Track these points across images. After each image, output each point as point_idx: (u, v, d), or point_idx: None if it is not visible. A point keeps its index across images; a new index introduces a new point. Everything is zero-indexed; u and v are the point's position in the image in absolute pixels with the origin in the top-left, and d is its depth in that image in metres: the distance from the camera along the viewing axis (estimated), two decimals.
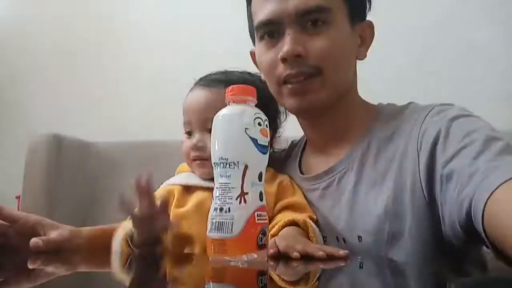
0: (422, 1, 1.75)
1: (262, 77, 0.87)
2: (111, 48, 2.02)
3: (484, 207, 0.57)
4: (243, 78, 0.86)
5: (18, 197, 1.50)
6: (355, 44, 0.82)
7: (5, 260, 0.73)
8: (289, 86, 0.78)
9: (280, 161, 0.95)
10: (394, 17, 1.65)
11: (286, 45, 0.76)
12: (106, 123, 1.92)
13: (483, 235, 0.58)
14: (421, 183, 0.71)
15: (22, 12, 2.13)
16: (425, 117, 0.76)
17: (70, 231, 0.79)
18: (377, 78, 1.59)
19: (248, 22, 0.87)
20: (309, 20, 0.76)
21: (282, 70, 0.78)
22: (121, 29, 2.03)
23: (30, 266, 0.65)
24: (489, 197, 0.56)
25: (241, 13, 0.88)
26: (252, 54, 0.88)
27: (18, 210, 0.89)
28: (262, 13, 0.78)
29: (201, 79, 0.89)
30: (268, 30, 0.79)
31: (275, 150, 0.95)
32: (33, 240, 0.73)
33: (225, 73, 0.90)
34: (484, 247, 0.71)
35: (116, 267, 0.68)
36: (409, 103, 0.84)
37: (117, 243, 0.73)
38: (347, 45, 0.80)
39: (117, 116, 1.95)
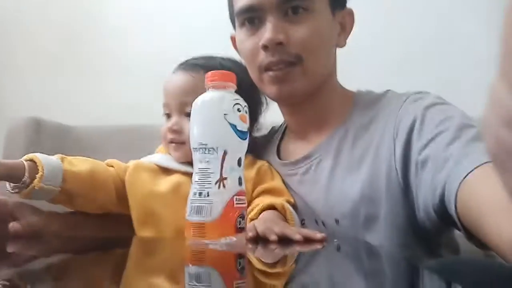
0: None
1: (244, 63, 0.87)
2: (92, 31, 1.98)
3: (457, 191, 0.59)
4: (223, 65, 0.86)
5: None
6: (335, 31, 0.83)
7: None
8: (270, 73, 0.79)
9: (259, 147, 0.96)
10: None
11: (267, 33, 0.76)
12: (86, 107, 1.90)
13: (456, 218, 0.60)
14: (396, 169, 0.73)
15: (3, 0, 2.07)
16: (402, 105, 0.77)
17: (50, 215, 0.78)
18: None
19: (228, 7, 0.86)
20: (290, 7, 0.76)
21: (263, 57, 0.78)
22: (102, 12, 1.99)
23: (9, 250, 0.65)
24: (461, 182, 0.59)
25: None
26: (233, 39, 0.88)
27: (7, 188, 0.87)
28: (242, 0, 0.79)
29: (182, 63, 0.89)
30: (248, 17, 0.79)
31: (256, 136, 0.96)
32: (12, 224, 0.72)
33: (207, 58, 0.89)
34: (456, 231, 0.74)
35: None
36: (387, 90, 0.85)
37: None
38: (328, 33, 0.81)
39: (98, 100, 1.92)
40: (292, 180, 0.85)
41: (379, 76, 1.45)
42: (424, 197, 0.68)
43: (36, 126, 1.39)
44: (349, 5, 0.86)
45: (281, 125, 0.99)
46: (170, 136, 0.82)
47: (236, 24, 0.83)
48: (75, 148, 1.49)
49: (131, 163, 0.83)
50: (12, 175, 0.69)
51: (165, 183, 0.80)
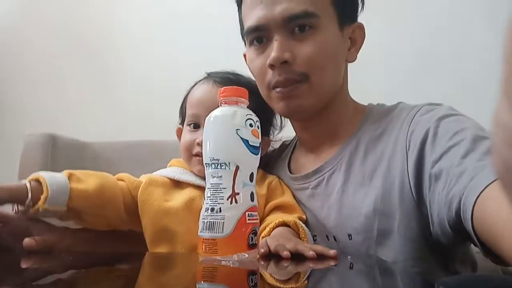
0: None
1: None
2: (107, 48, 2.02)
3: (473, 206, 0.57)
4: (249, 82, 0.87)
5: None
6: (344, 47, 0.83)
7: None
8: (277, 90, 0.79)
9: (270, 161, 0.96)
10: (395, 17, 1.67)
11: (274, 52, 0.76)
12: (102, 123, 1.92)
13: (472, 234, 0.58)
14: (409, 182, 0.72)
15: (17, 13, 2.12)
16: (413, 117, 0.76)
17: (64, 231, 0.79)
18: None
19: (240, 25, 0.88)
20: (296, 26, 0.77)
21: (271, 76, 0.79)
22: (117, 29, 2.02)
23: (23, 266, 0.66)
24: (478, 196, 0.57)
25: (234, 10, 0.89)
26: (245, 57, 0.89)
27: (13, 210, 0.89)
28: (250, 19, 0.80)
29: (212, 74, 0.90)
30: (256, 36, 0.80)
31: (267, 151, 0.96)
32: (26, 240, 0.73)
33: (236, 74, 0.90)
34: (473, 246, 0.72)
35: None
36: (398, 103, 0.85)
37: None
38: (335, 49, 0.81)
39: (113, 116, 1.95)
40: (303, 194, 0.84)
41: (390, 89, 1.45)
42: (439, 212, 0.67)
43: (52, 142, 1.41)
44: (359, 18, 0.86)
45: (292, 139, 0.99)
46: (198, 149, 0.81)
47: (246, 42, 0.85)
48: (90, 164, 1.51)
49: (143, 177, 0.83)
50: (15, 198, 0.70)
51: (178, 199, 0.80)
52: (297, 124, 0.90)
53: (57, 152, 1.42)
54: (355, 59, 0.85)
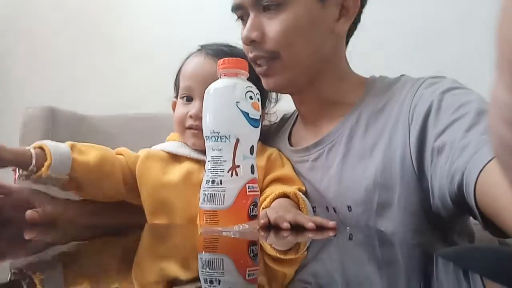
0: None
1: None
2: (106, 21, 1.99)
3: (476, 179, 0.57)
4: (244, 54, 0.85)
5: (14, 170, 1.51)
6: (327, 18, 0.79)
7: (1, 231, 0.75)
8: (257, 69, 0.81)
9: (269, 134, 0.96)
10: None
11: (243, 30, 0.79)
12: (101, 96, 1.91)
13: (474, 207, 0.59)
14: (411, 155, 0.72)
15: None
16: (417, 90, 0.75)
17: (65, 203, 0.80)
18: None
19: None
20: (266, 2, 0.76)
21: (248, 53, 0.81)
22: (118, 2, 1.99)
23: (26, 237, 0.67)
24: (481, 170, 0.57)
25: None
26: None
27: (15, 183, 0.90)
28: None
29: (205, 46, 0.89)
30: (238, 15, 0.83)
31: (268, 123, 0.96)
32: (29, 212, 0.74)
33: (230, 46, 0.89)
34: (471, 218, 0.73)
35: None
36: (401, 75, 0.84)
37: None
38: (309, 23, 0.78)
39: (112, 89, 1.94)
40: (303, 167, 0.85)
41: (393, 62, 1.43)
42: (440, 184, 0.67)
43: (51, 115, 1.41)
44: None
45: (293, 112, 0.98)
46: (190, 122, 0.82)
47: None
48: (89, 137, 1.50)
49: (142, 152, 0.84)
50: (20, 162, 0.70)
51: (176, 172, 0.80)
52: (293, 97, 0.90)
53: (57, 124, 1.42)
54: (346, 29, 0.82)
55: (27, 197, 0.79)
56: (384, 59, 1.61)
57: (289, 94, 0.88)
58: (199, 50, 0.89)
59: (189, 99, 0.84)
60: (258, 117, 0.64)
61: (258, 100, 0.64)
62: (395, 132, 0.75)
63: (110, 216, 0.83)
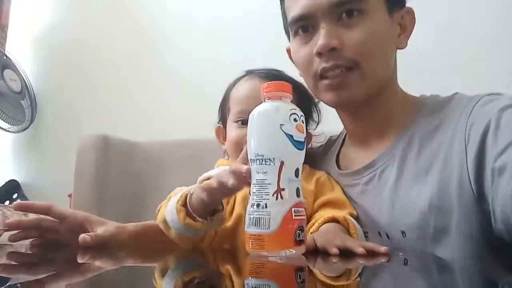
0: None
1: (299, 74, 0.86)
2: (157, 48, 2.08)
3: None
4: (291, 78, 0.86)
5: (70, 196, 1.58)
6: (394, 33, 0.79)
7: (56, 255, 0.77)
8: (326, 81, 0.77)
9: (317, 158, 0.94)
10: None
11: (321, 39, 0.74)
12: (152, 123, 1.98)
13: None
14: (469, 177, 0.68)
15: (70, 18, 2.23)
16: (472, 108, 0.72)
17: (116, 227, 0.82)
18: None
19: (282, 19, 0.86)
20: (344, 11, 0.74)
21: (318, 64, 0.76)
22: (167, 27, 2.08)
23: (79, 261, 0.69)
24: None
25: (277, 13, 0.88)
26: (288, 51, 0.87)
27: (70, 207, 0.94)
28: (295, 8, 0.78)
29: (254, 71, 0.89)
30: (302, 25, 0.78)
31: (312, 147, 0.95)
32: (82, 236, 0.76)
33: (277, 70, 0.90)
34: None
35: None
36: (455, 93, 0.81)
37: (171, 204, 0.72)
38: (385, 35, 0.77)
39: (162, 116, 2.00)
40: (354, 191, 0.82)
41: (444, 79, 1.38)
42: (503, 207, 0.63)
43: (105, 143, 1.47)
44: (410, 4, 0.82)
45: (339, 135, 0.96)
46: None
47: (290, 34, 0.83)
48: (140, 163, 1.56)
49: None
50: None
51: (237, 197, 0.80)
52: (345, 115, 0.86)
53: (109, 151, 1.48)
54: (405, 45, 0.81)
55: (80, 221, 0.82)
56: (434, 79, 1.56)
57: (349, 111, 0.84)
58: (248, 74, 0.90)
59: (245, 122, 0.84)
60: (303, 140, 0.63)
61: (303, 122, 0.63)
62: (451, 153, 0.71)
63: (160, 239, 0.84)
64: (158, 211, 0.80)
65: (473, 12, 1.65)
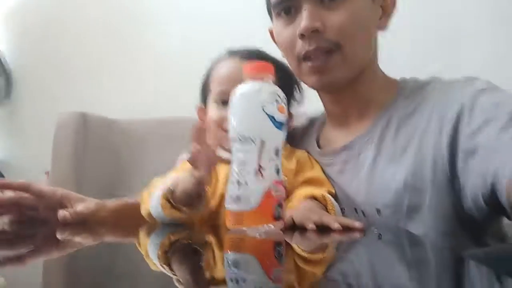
0: None
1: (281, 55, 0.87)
2: (136, 24, 2.04)
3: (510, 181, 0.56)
4: (273, 58, 0.86)
5: (47, 173, 1.56)
6: (376, 15, 0.80)
7: (35, 231, 0.78)
8: (309, 63, 0.77)
9: (297, 137, 0.95)
10: None
11: (303, 21, 0.74)
12: (131, 101, 1.96)
13: (508, 208, 0.58)
14: (443, 157, 0.71)
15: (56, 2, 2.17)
16: (449, 92, 0.74)
17: (96, 204, 0.82)
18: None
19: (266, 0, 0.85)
20: None
21: (300, 46, 0.77)
22: (147, 3, 2.04)
23: (58, 237, 0.69)
24: None
25: None
26: (271, 33, 0.87)
27: (47, 185, 0.94)
28: None
29: (235, 51, 0.89)
30: (284, 6, 0.78)
31: (294, 127, 0.96)
32: (61, 212, 0.77)
33: (258, 50, 0.89)
34: (505, 219, 0.71)
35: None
36: (432, 77, 0.83)
37: (155, 199, 0.72)
38: (367, 17, 0.78)
39: (142, 93, 1.98)
40: (332, 170, 0.84)
41: (421, 62, 1.41)
42: (473, 186, 0.66)
43: (83, 120, 1.45)
44: None
45: (320, 115, 0.97)
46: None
47: (273, 15, 0.83)
48: (120, 140, 1.55)
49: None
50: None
51: (220, 178, 0.80)
52: (326, 97, 0.87)
53: (88, 129, 1.46)
54: (386, 27, 0.82)
55: (59, 198, 0.82)
56: (411, 59, 1.58)
57: (331, 92, 0.85)
58: (230, 54, 0.89)
59: (225, 102, 0.84)
60: (284, 120, 0.64)
61: (284, 104, 0.64)
62: (427, 134, 0.74)
63: (140, 217, 0.85)
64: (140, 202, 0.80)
65: None
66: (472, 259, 0.45)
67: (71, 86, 2.08)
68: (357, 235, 0.61)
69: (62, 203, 0.81)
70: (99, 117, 1.54)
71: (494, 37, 1.62)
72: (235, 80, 0.80)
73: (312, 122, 0.99)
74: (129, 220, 0.85)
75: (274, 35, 0.85)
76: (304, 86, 0.90)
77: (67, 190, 0.86)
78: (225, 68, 0.87)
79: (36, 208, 0.83)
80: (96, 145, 1.48)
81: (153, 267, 0.47)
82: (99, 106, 1.70)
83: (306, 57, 0.77)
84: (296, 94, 0.93)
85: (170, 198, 0.69)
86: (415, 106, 0.78)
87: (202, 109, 0.92)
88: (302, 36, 0.76)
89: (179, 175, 0.70)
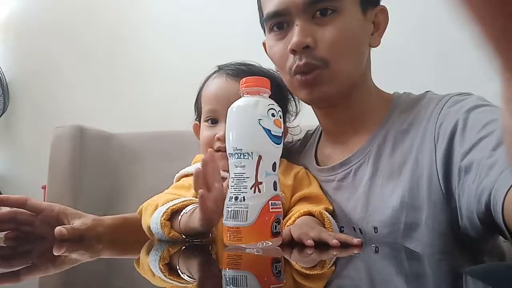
0: None
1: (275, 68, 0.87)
2: (132, 39, 2.05)
3: (504, 198, 0.56)
4: (263, 72, 0.87)
5: (44, 187, 1.55)
6: (368, 31, 0.81)
7: (32, 247, 0.77)
8: (299, 77, 0.78)
9: (295, 152, 0.95)
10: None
11: (295, 37, 0.75)
12: (127, 114, 1.96)
13: (502, 226, 0.57)
14: (437, 175, 0.71)
15: (42, 5, 2.17)
16: (442, 108, 0.74)
17: (93, 220, 0.82)
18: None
19: (259, 14, 0.86)
20: (318, 9, 0.75)
21: (292, 61, 0.78)
22: (143, 19, 2.05)
23: (55, 253, 0.69)
24: (509, 188, 0.56)
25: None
26: (264, 45, 0.88)
27: (44, 199, 0.93)
28: (270, 5, 0.79)
29: (223, 68, 0.89)
30: (276, 22, 0.79)
31: (292, 140, 0.96)
32: (58, 229, 0.76)
33: (247, 64, 0.90)
34: (501, 238, 0.71)
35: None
36: (426, 92, 0.83)
37: (155, 217, 0.73)
38: (358, 33, 0.79)
39: (138, 107, 1.98)
40: (329, 186, 0.84)
41: (415, 77, 1.41)
42: (468, 204, 0.66)
43: (80, 134, 1.44)
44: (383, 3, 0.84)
45: (316, 129, 0.98)
46: (219, 144, 0.82)
47: (266, 29, 0.83)
48: (116, 154, 1.55)
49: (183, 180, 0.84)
50: None
51: None
52: (320, 111, 0.88)
53: (85, 143, 1.46)
54: (379, 43, 0.83)
55: (57, 214, 0.81)
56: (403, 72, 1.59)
57: (324, 107, 0.85)
58: (217, 71, 0.90)
59: (214, 121, 0.85)
60: (280, 134, 0.64)
61: (280, 118, 0.65)
62: (422, 152, 0.74)
63: (137, 233, 0.84)
64: (141, 214, 0.80)
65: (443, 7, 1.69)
66: (469, 276, 0.45)
67: (68, 99, 2.09)
68: (354, 251, 0.61)
69: (59, 219, 0.81)
70: (96, 130, 1.54)
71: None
72: (222, 98, 0.82)
73: (308, 136, 0.99)
74: (127, 235, 0.84)
75: (266, 48, 0.86)
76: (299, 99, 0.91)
77: (64, 205, 0.86)
78: (212, 86, 0.87)
79: (33, 223, 0.82)
80: (93, 159, 1.48)
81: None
82: (96, 119, 1.71)
83: (296, 72, 0.78)
84: (290, 108, 0.93)
85: (179, 223, 0.69)
86: (410, 122, 0.78)
87: (197, 126, 0.93)
88: (293, 51, 0.76)
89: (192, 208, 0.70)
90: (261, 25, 0.87)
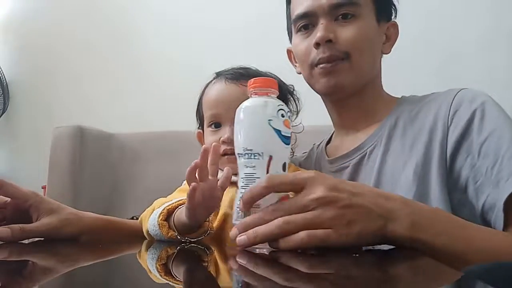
0: None
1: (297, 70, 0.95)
2: (132, 39, 2.05)
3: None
4: (260, 74, 0.90)
5: (44, 187, 1.54)
6: (380, 38, 0.92)
7: None
8: (321, 66, 0.87)
9: (306, 166, 1.00)
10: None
11: (319, 32, 0.86)
12: (128, 114, 1.95)
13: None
14: (446, 155, 0.78)
15: (43, 4, 2.16)
16: (454, 96, 0.82)
17: (65, 219, 0.77)
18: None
19: (287, 21, 0.97)
20: (340, 13, 0.87)
21: (315, 54, 0.87)
22: (143, 19, 2.05)
23: None
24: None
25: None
26: (288, 52, 0.99)
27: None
28: (300, 7, 0.89)
29: (223, 73, 0.91)
30: (304, 22, 0.90)
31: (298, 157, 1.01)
32: (1, 229, 0.70)
33: (245, 68, 0.92)
34: None
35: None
36: (432, 93, 0.90)
37: (152, 218, 0.74)
38: (373, 37, 0.90)
39: (138, 107, 1.98)
40: (344, 174, 0.89)
41: (420, 81, 1.43)
42: (480, 184, 0.74)
43: (80, 134, 1.44)
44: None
45: (321, 141, 1.04)
46: (224, 147, 0.82)
47: (293, 31, 0.93)
48: (116, 154, 1.54)
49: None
50: None
51: (224, 199, 0.80)
52: (333, 105, 0.95)
53: (85, 143, 1.45)
54: (389, 52, 0.94)
55: (28, 206, 0.76)
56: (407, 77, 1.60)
57: (338, 99, 0.93)
58: (216, 77, 0.91)
59: (218, 125, 0.86)
60: (290, 134, 0.64)
61: (289, 118, 0.65)
62: (435, 131, 0.81)
63: (113, 232, 0.85)
64: (141, 222, 0.81)
65: (449, 13, 1.71)
66: (471, 276, 0.46)
67: (68, 99, 2.08)
68: None
69: (28, 213, 0.76)
70: (95, 130, 1.53)
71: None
72: (223, 102, 0.84)
73: (314, 148, 1.04)
74: (109, 236, 0.83)
75: (293, 48, 0.95)
76: (301, 98, 0.97)
77: (64, 204, 0.80)
78: (212, 92, 0.89)
79: (4, 207, 0.78)
80: (93, 158, 1.48)
81: None
82: (96, 119, 1.70)
83: (320, 62, 0.87)
84: (291, 107, 0.95)
85: (173, 222, 0.70)
86: (418, 110, 0.86)
87: (201, 133, 0.93)
88: (317, 44, 0.86)
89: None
90: (288, 32, 0.98)
